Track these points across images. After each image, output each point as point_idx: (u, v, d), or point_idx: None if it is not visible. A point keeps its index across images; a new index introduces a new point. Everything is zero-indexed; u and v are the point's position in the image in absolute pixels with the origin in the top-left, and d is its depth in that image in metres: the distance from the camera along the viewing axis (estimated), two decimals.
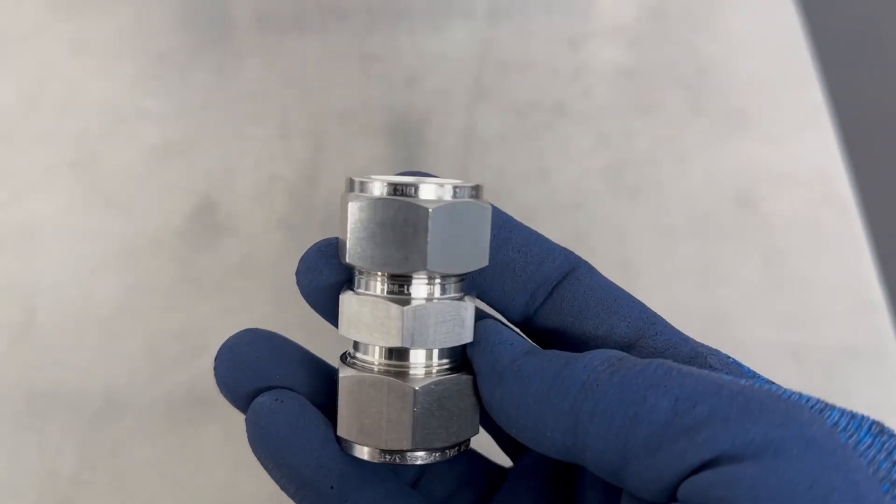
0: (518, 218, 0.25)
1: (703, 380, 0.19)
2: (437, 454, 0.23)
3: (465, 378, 0.23)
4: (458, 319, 0.23)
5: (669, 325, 0.24)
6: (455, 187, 0.22)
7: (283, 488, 0.23)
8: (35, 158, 0.54)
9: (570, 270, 0.24)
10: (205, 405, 0.45)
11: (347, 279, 0.24)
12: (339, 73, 0.56)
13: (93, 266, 0.50)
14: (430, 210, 0.21)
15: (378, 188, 0.22)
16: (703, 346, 0.23)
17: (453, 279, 0.23)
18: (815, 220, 0.48)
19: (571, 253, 0.25)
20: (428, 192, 0.22)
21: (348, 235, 0.22)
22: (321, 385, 0.25)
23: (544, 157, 0.51)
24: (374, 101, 0.54)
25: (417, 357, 0.23)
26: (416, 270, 0.22)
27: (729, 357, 0.23)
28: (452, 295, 0.23)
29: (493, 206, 0.25)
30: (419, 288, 0.22)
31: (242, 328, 0.25)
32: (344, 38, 0.57)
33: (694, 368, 0.20)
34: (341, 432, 0.23)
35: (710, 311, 0.46)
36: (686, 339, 0.23)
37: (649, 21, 0.56)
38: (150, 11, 0.60)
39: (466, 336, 0.23)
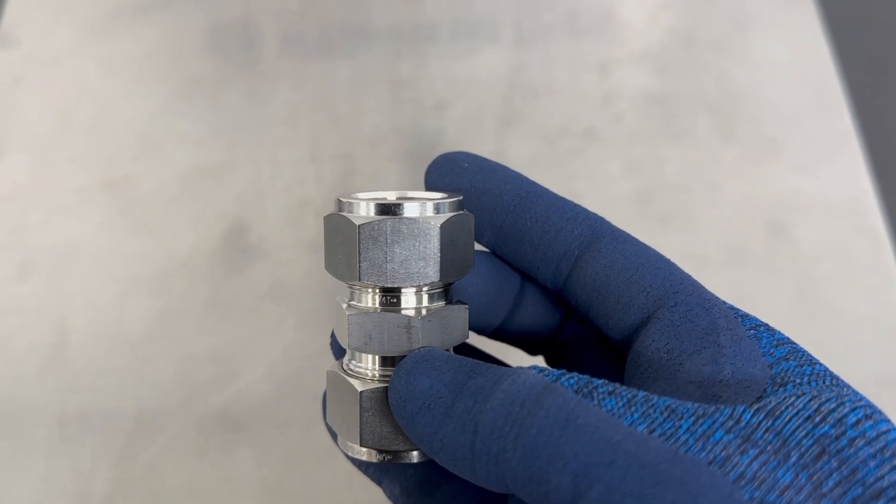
0: None
1: (600, 444, 0.18)
2: (409, 455, 0.23)
3: None
4: (402, 331, 0.23)
5: (696, 290, 0.22)
6: (437, 203, 0.23)
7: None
8: (67, 181, 0.54)
9: (594, 240, 0.24)
10: (237, 430, 0.45)
11: None
12: (368, 97, 0.56)
13: (125, 289, 0.50)
14: (358, 225, 0.22)
15: (364, 207, 0.23)
16: (723, 317, 0.22)
17: (424, 289, 0.23)
18: (847, 249, 0.48)
19: (599, 220, 0.24)
20: (412, 209, 0.22)
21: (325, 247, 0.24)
22: None
23: (574, 183, 0.51)
24: (403, 125, 0.55)
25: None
26: (352, 281, 0.23)
27: (747, 330, 0.22)
28: (425, 305, 0.23)
29: (519, 174, 0.25)
30: (371, 297, 0.23)
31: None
32: (372, 63, 0.58)
33: (595, 416, 0.19)
34: (328, 419, 0.24)
35: None
36: (708, 310, 0.22)
37: (679, 47, 0.56)
38: (178, 35, 0.60)
39: (415, 346, 0.23)
